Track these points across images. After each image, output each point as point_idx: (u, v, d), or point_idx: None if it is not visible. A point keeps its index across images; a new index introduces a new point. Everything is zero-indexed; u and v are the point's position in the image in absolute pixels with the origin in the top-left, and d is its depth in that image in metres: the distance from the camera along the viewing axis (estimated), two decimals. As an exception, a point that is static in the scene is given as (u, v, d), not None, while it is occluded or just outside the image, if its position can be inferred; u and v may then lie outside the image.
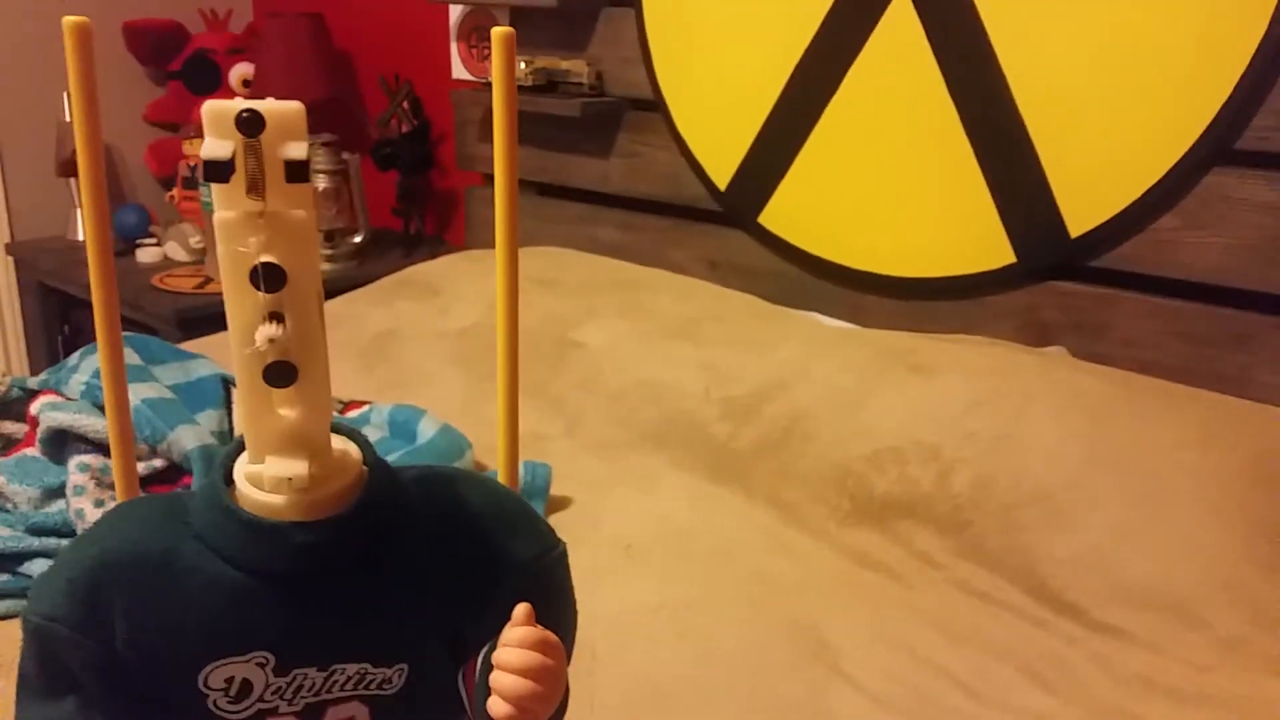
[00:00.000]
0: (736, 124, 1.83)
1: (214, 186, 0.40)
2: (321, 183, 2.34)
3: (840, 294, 1.77)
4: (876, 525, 1.30)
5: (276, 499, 0.46)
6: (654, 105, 1.94)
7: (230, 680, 0.47)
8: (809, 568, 1.24)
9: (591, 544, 1.24)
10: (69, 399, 1.25)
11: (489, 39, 1.97)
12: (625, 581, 1.18)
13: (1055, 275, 1.55)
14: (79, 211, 2.56)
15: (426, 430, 1.34)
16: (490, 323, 1.75)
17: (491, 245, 2.12)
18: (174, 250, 2.38)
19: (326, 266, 2.38)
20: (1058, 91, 1.47)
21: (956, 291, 1.65)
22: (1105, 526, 1.17)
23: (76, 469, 1.16)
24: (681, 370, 1.56)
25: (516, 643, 0.47)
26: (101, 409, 1.23)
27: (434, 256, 2.17)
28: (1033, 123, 1.50)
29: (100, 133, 0.48)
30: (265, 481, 0.45)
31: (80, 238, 2.53)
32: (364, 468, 0.49)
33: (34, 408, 1.23)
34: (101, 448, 1.19)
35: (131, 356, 1.34)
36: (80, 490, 1.15)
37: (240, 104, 0.39)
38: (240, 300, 0.42)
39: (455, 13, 2.34)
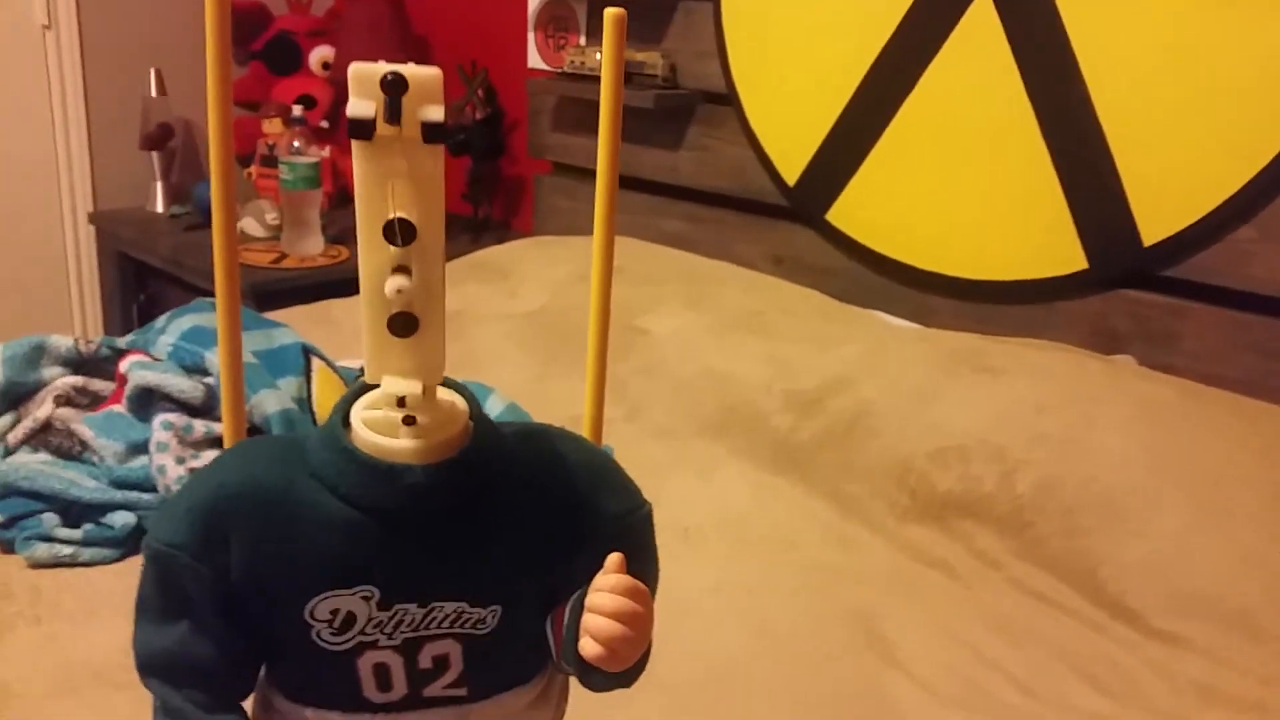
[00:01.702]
0: (809, 120, 1.84)
1: (355, 144, 0.43)
2: (395, 165, 2.39)
3: (906, 294, 1.78)
4: (937, 522, 1.30)
5: (392, 442, 0.48)
6: (727, 99, 1.95)
7: (335, 612, 0.50)
8: (867, 560, 1.25)
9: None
10: (156, 359, 1.30)
11: (565, 29, 1.99)
12: (683, 564, 1.20)
13: (1126, 283, 1.54)
14: (159, 184, 2.64)
15: (494, 407, 1.37)
16: (556, 307, 1.79)
17: (558, 232, 2.15)
18: (250, 226, 2.44)
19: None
20: (1137, 97, 1.46)
21: (1025, 295, 1.64)
22: (1167, 534, 1.17)
23: (160, 426, 1.21)
24: (745, 362, 1.58)
25: (609, 588, 0.50)
26: (187, 370, 1.28)
27: (501, 242, 2.21)
28: (1111, 128, 1.50)
29: (230, 105, 0.51)
30: (382, 401, 0.47)
31: (159, 209, 2.61)
32: (469, 420, 0.52)
33: (123, 366, 1.28)
34: (185, 407, 1.24)
35: (215, 321, 1.39)
36: (163, 447, 1.20)
37: (385, 66, 0.42)
38: (372, 253, 0.45)
39: (533, 2, 2.37)
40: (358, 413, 0.50)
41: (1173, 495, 1.19)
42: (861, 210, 1.81)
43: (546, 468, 0.55)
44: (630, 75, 2.05)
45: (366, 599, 0.50)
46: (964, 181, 1.67)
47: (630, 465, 1.47)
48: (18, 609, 1.04)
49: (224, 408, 0.60)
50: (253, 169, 2.59)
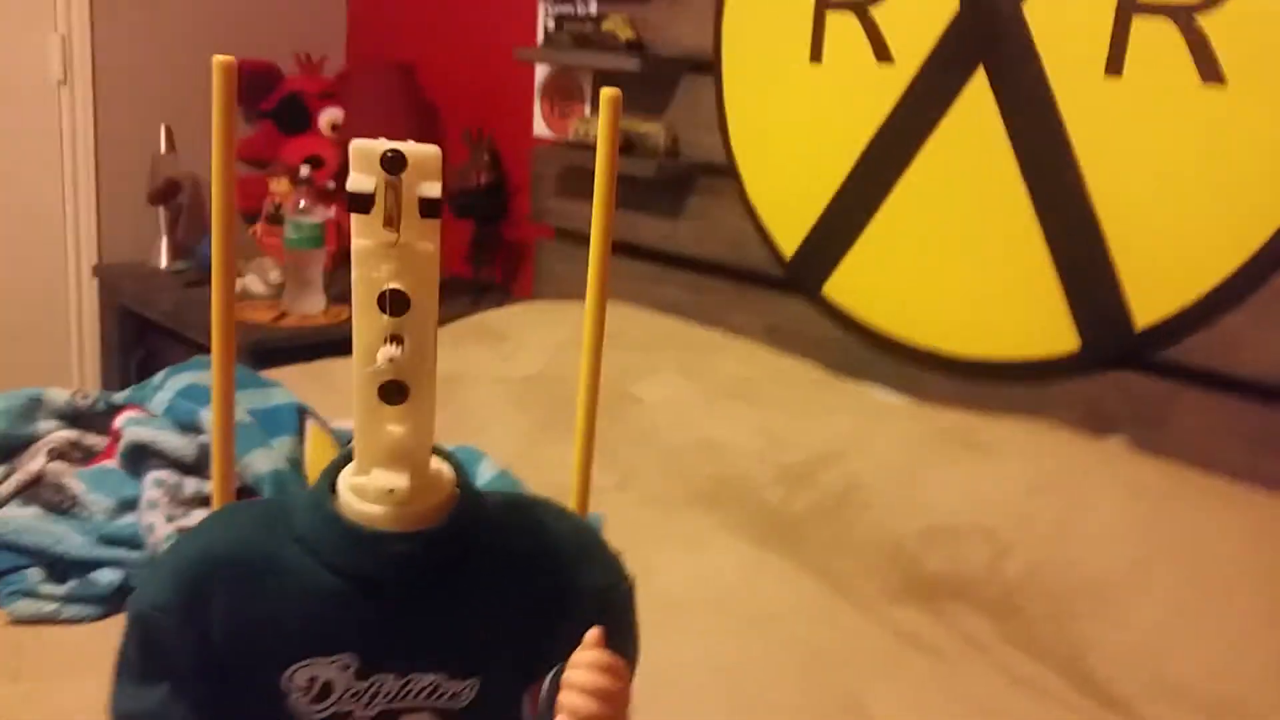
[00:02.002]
0: (807, 194, 1.87)
1: (354, 217, 0.44)
2: (398, 227, 2.42)
3: (899, 369, 1.79)
4: (926, 604, 1.30)
5: (377, 509, 0.49)
6: (726, 171, 1.98)
7: (313, 680, 0.50)
8: (856, 641, 1.24)
9: (639, 597, 1.26)
10: (152, 415, 1.30)
11: (571, 99, 2.02)
12: (670, 637, 1.18)
13: (1119, 365, 1.55)
14: (164, 239, 2.67)
15: (485, 473, 1.37)
16: (552, 371, 1.80)
17: (557, 296, 2.16)
18: (253, 283, 2.46)
19: (395, 307, 2.44)
20: (1131, 182, 1.49)
21: (1018, 375, 1.65)
22: (1156, 619, 1.16)
23: (152, 484, 1.21)
24: (738, 431, 1.58)
25: (587, 665, 0.50)
26: (182, 427, 1.28)
27: (501, 305, 2.23)
28: (1104, 210, 1.52)
29: (234, 165, 0.53)
30: (370, 492, 0.48)
31: (163, 265, 2.63)
32: (455, 488, 0.52)
33: (118, 421, 1.29)
34: (178, 465, 1.24)
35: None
36: (153, 505, 1.19)
37: (385, 144, 0.43)
38: (366, 321, 0.46)
39: (540, 72, 2.42)
40: (345, 479, 0.50)
41: (1162, 580, 1.19)
42: (856, 284, 1.83)
43: (530, 539, 0.55)
44: (632, 145, 2.09)
45: (345, 668, 0.50)
46: (958, 259, 1.69)
47: (619, 534, 1.46)
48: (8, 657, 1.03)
49: (214, 469, 0.61)
50: (258, 227, 2.61)
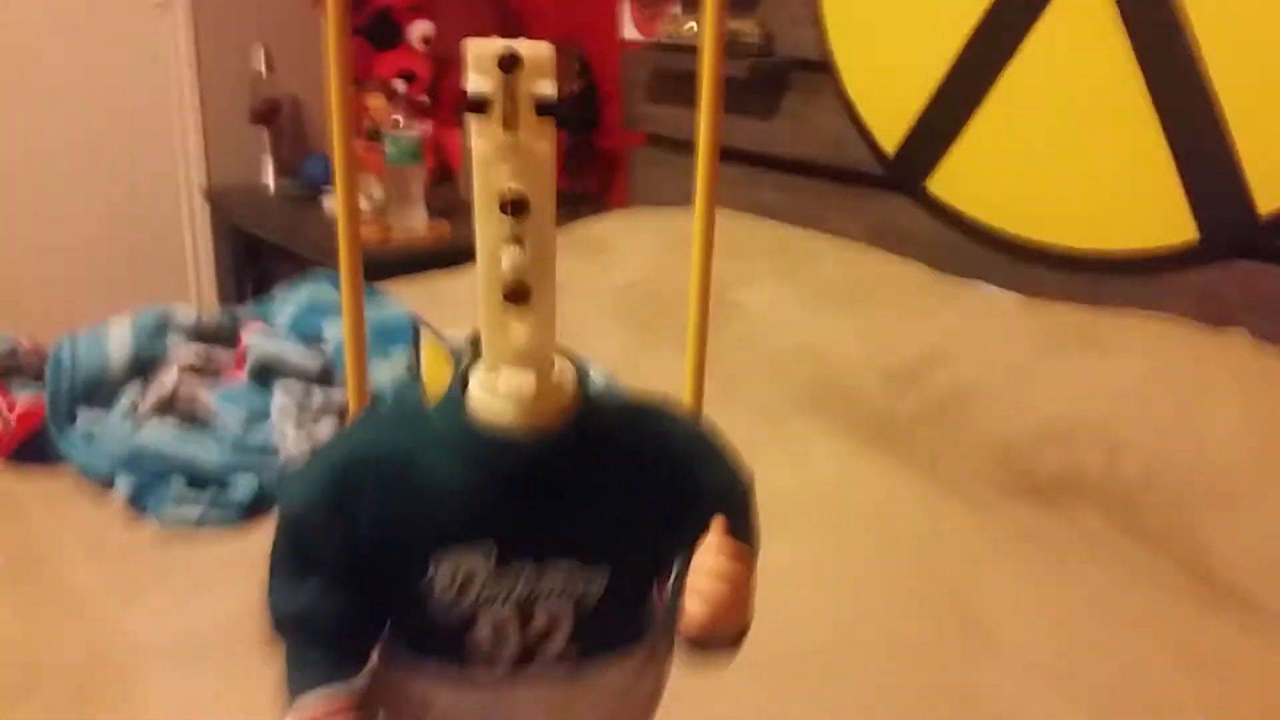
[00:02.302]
0: (908, 87, 1.80)
1: (472, 119, 0.44)
2: (492, 139, 2.43)
3: (1009, 265, 1.74)
4: (1039, 500, 1.28)
5: (506, 409, 0.51)
6: (822, 67, 1.93)
7: (455, 571, 0.53)
8: (966, 538, 1.24)
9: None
10: (275, 330, 1.36)
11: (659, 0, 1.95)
12: (776, 540, 1.19)
13: (1240, 255, 1.48)
14: (268, 158, 2.73)
15: (592, 381, 1.39)
16: (652, 280, 1.80)
17: (653, 204, 2.14)
18: (354, 200, 2.51)
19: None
20: (1253, 61, 1.40)
21: (1133, 267, 1.59)
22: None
23: (281, 393, 1.26)
24: (841, 335, 1.57)
25: (713, 549, 0.51)
26: (305, 340, 1.33)
27: (596, 215, 2.23)
28: (1224, 92, 1.43)
29: (351, 90, 0.53)
30: (499, 390, 0.50)
31: (269, 185, 2.70)
32: (578, 391, 0.53)
33: (244, 337, 1.34)
34: (304, 375, 1.29)
35: (333, 293, 1.44)
36: (284, 415, 1.25)
37: (501, 43, 0.43)
38: (488, 225, 0.46)
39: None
40: (475, 379, 0.52)
41: (1289, 474, 1.15)
42: (963, 179, 1.77)
43: (651, 440, 0.57)
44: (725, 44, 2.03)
45: (486, 555, 0.53)
46: (1069, 149, 1.62)
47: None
48: (147, 572, 1.10)
49: (349, 377, 0.63)
50: (359, 144, 2.65)
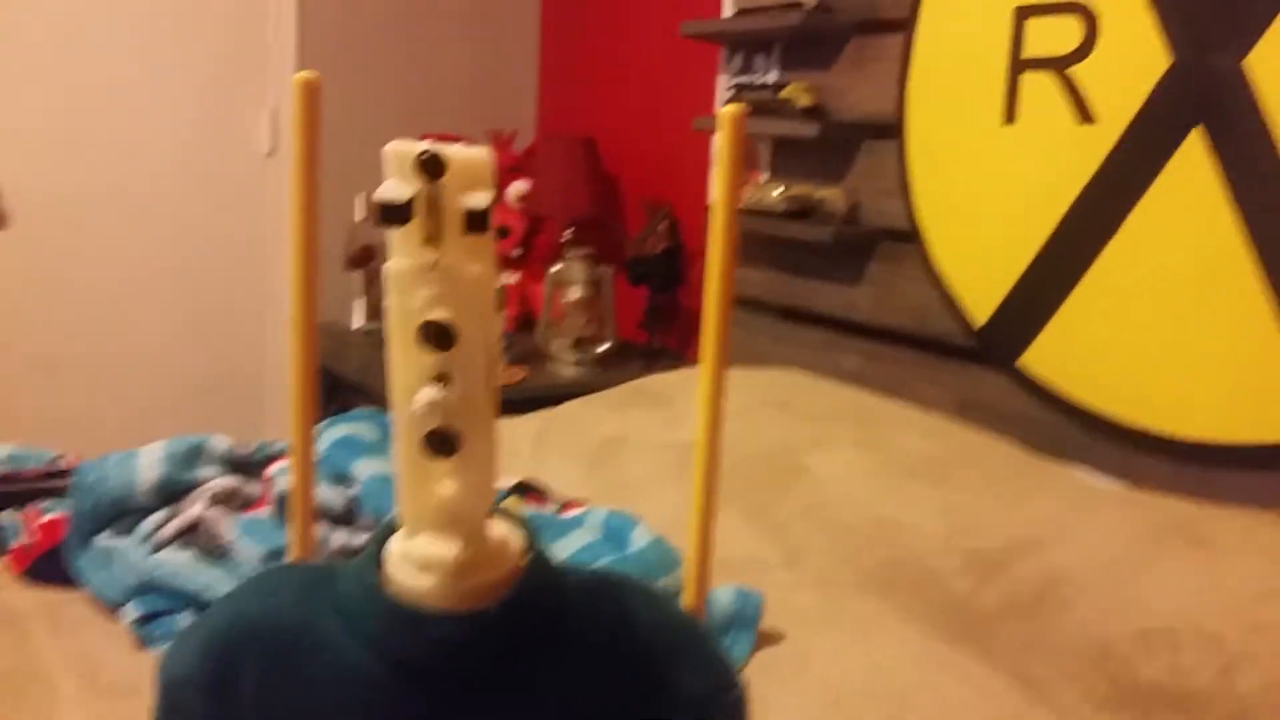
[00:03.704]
0: (1001, 259, 1.72)
1: (390, 234, 0.37)
2: (575, 292, 2.42)
3: (1109, 450, 1.59)
4: (1141, 716, 1.11)
5: (424, 582, 0.41)
6: (909, 236, 1.86)
7: (353, 779, 0.43)
8: (1050, 758, 1.07)
9: (797, 689, 1.13)
10: (307, 470, 1.30)
11: (748, 166, 1.94)
12: (829, 740, 1.06)
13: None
14: (361, 300, 2.78)
15: (639, 540, 1.29)
16: (720, 439, 1.70)
17: (731, 364, 2.08)
18: (434, 345, 2.51)
19: (570, 371, 2.43)
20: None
21: (1247, 460, 1.43)
22: None
23: (302, 538, 1.20)
24: (920, 512, 1.44)
25: None
26: (334, 479, 1.27)
27: (672, 370, 2.17)
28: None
29: (316, 190, 0.48)
30: (416, 561, 0.41)
31: (357, 325, 2.74)
32: (522, 562, 0.44)
33: (270, 470, 1.29)
34: (328, 515, 1.22)
35: (372, 432, 1.39)
36: (302, 559, 1.18)
37: (422, 145, 0.36)
38: (405, 359, 0.39)
39: (717, 140, 2.38)
40: (393, 544, 0.43)
41: None
42: (1060, 356, 1.65)
43: (612, 631, 0.46)
44: (809, 210, 2.00)
45: (386, 767, 0.42)
46: (1177, 329, 1.50)
47: (783, 615, 1.34)
48: (141, 706, 1.02)
49: (294, 525, 0.55)
50: (444, 292, 2.68)
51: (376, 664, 0.42)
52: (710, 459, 0.55)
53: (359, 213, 2.73)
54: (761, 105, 2.09)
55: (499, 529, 0.44)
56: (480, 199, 0.37)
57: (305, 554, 0.54)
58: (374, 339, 2.62)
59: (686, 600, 0.55)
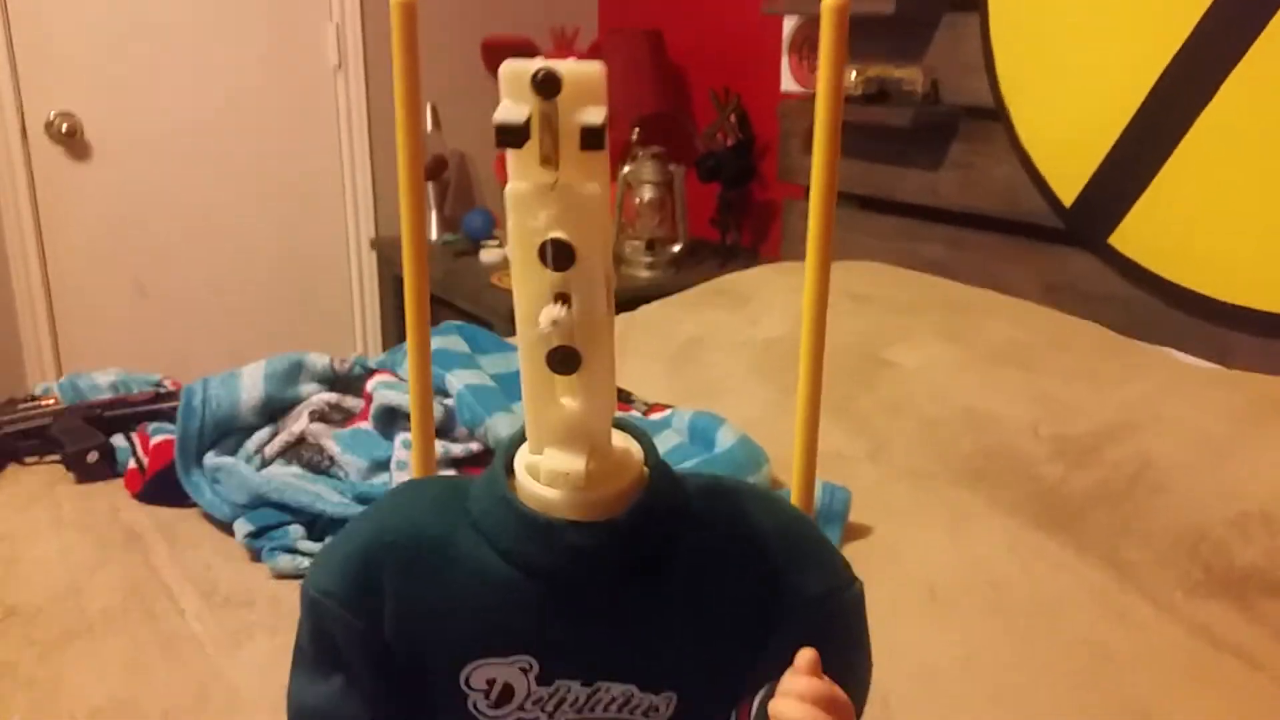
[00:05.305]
0: (1090, 133, 1.65)
1: (508, 154, 0.37)
2: (647, 193, 2.39)
3: (1203, 329, 1.55)
4: (1236, 600, 1.10)
5: (552, 494, 0.43)
6: (993, 114, 1.80)
7: (492, 682, 0.45)
8: (1148, 641, 1.08)
9: (890, 582, 1.15)
10: (401, 379, 1.34)
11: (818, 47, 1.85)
12: (927, 628, 1.08)
13: None
14: (433, 213, 2.80)
15: (725, 439, 1.30)
16: (798, 335, 1.70)
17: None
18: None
19: (645, 274, 2.43)
20: None
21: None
22: None
23: (401, 445, 1.24)
24: (1008, 400, 1.42)
25: (798, 695, 0.41)
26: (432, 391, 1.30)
27: (748, 268, 2.15)
28: None
29: (420, 106, 0.48)
30: (542, 475, 0.42)
31: (433, 237, 2.75)
32: (645, 470, 0.45)
33: (369, 385, 1.33)
34: (424, 428, 1.25)
35: (460, 344, 1.42)
36: (403, 465, 1.22)
37: (538, 63, 0.36)
38: (527, 279, 0.39)
39: (788, 25, 2.31)
40: (521, 458, 0.44)
41: None
42: (1151, 233, 1.60)
43: (733, 534, 0.47)
44: (886, 93, 1.93)
45: (524, 670, 0.45)
46: (1273, 202, 1.43)
47: (871, 509, 1.35)
48: (258, 618, 1.08)
49: (414, 439, 0.57)
50: (514, 197, 2.67)
51: (512, 572, 0.44)
52: (814, 361, 0.55)
53: (429, 123, 2.73)
54: (832, -15, 2.01)
55: (620, 440, 0.45)
56: (595, 115, 0.36)
57: (427, 470, 0.56)
58: (450, 250, 2.63)
59: (795, 500, 0.55)
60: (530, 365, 0.41)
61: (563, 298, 0.39)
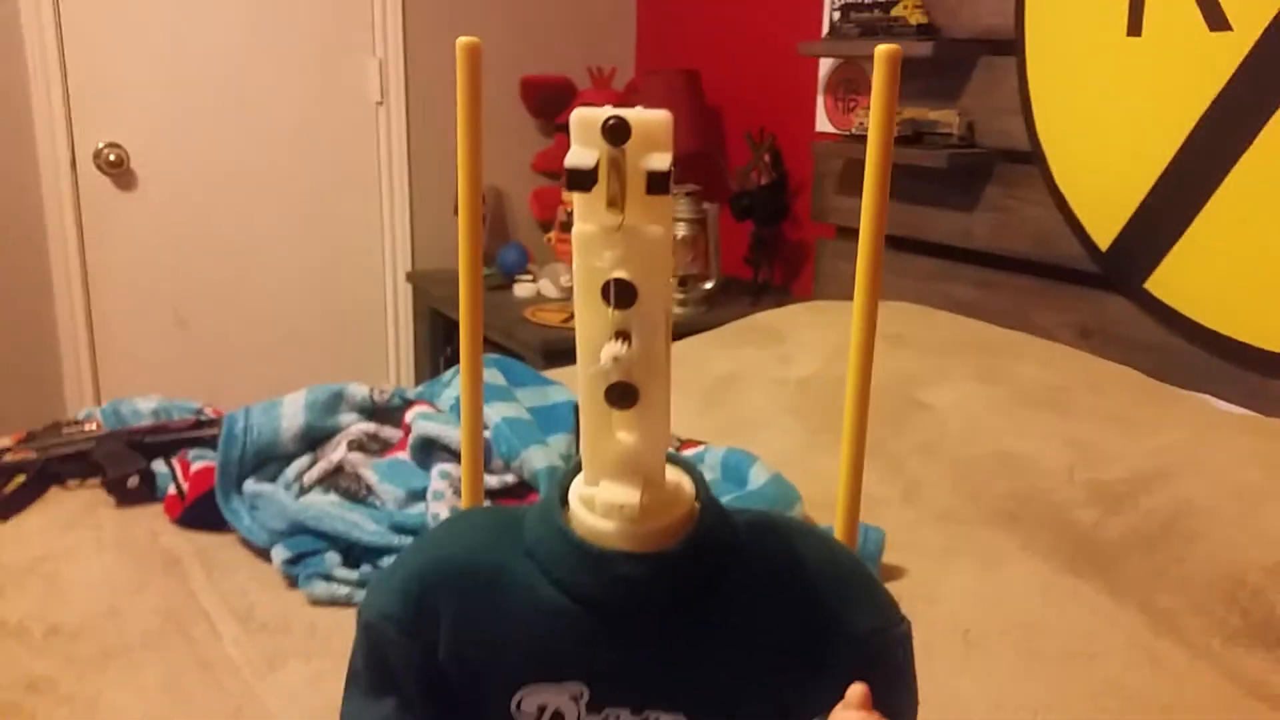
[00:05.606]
0: (1127, 177, 1.66)
1: (575, 197, 0.39)
2: (680, 230, 2.42)
3: (1240, 375, 1.54)
4: (1274, 650, 1.09)
5: (606, 525, 0.44)
6: (1028, 157, 1.81)
7: (543, 708, 0.46)
8: (1183, 688, 1.07)
9: (924, 623, 1.13)
10: (439, 411, 1.35)
11: (856, 91, 1.90)
12: (961, 671, 1.08)
13: None
14: (467, 246, 2.83)
15: (758, 477, 1.31)
16: (830, 374, 1.71)
17: (838, 297, 2.07)
18: (546, 288, 2.56)
19: (677, 310, 2.44)
20: None
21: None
22: None
23: (438, 476, 1.25)
24: (1043, 444, 1.42)
25: None
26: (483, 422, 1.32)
27: (780, 306, 2.16)
28: None
29: (480, 145, 0.50)
30: (597, 506, 0.43)
31: (466, 270, 2.79)
32: (696, 504, 0.46)
33: (408, 416, 1.35)
34: (460, 458, 1.27)
35: (497, 377, 1.44)
36: (439, 496, 1.23)
37: (608, 111, 0.38)
38: (590, 316, 0.41)
39: (825, 66, 2.33)
40: (576, 489, 0.46)
41: None
42: (1188, 279, 1.59)
43: (783, 568, 0.48)
44: (921, 135, 1.95)
45: (576, 698, 0.46)
46: (1319, 248, 1.43)
47: (904, 550, 1.35)
48: (293, 643, 1.09)
49: (463, 473, 0.59)
50: (552, 234, 2.71)
51: (565, 601, 0.45)
52: (859, 401, 0.56)
53: (464, 157, 2.77)
54: (871, 25, 2.04)
55: (672, 474, 0.46)
56: (661, 161, 0.38)
57: (476, 500, 0.57)
58: (486, 284, 2.66)
59: (839, 537, 0.56)
60: (589, 399, 0.42)
61: (623, 335, 0.40)
